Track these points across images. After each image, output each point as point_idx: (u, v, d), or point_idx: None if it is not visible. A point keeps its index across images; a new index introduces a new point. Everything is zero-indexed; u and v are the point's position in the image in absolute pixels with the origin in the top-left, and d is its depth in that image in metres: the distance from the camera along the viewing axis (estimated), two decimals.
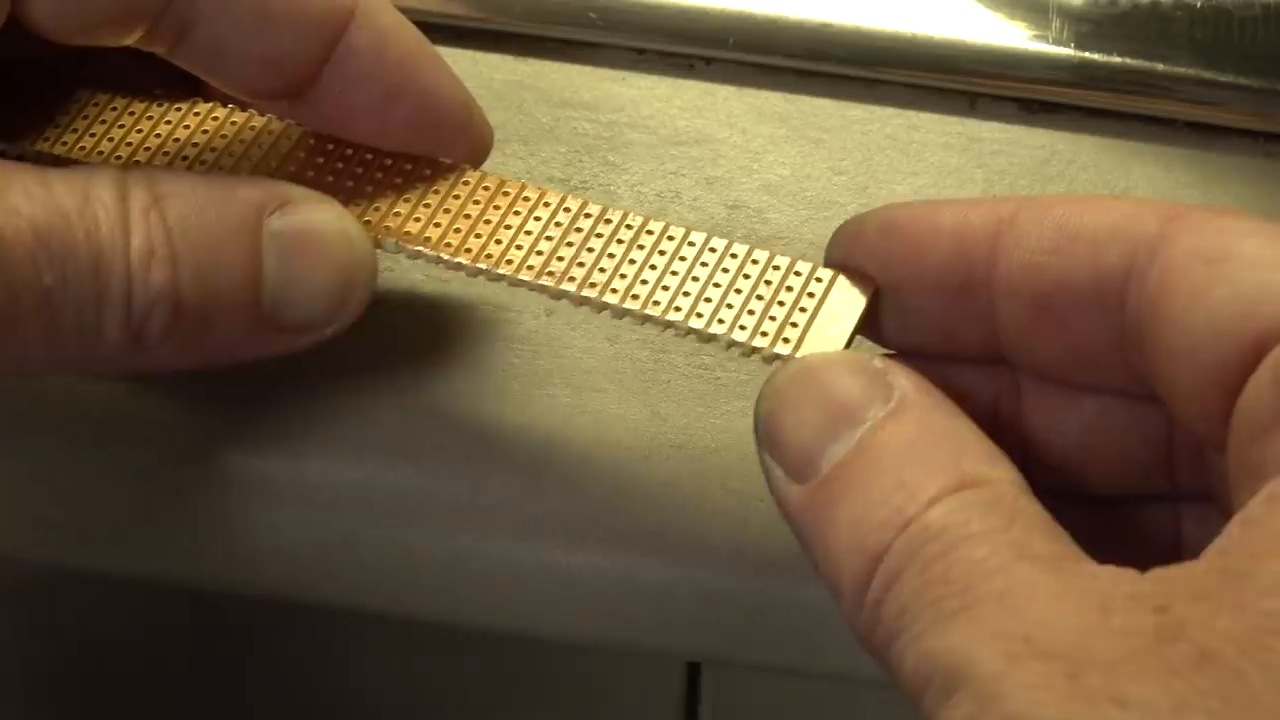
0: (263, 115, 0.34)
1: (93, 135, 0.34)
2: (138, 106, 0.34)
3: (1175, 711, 0.22)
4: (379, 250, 0.32)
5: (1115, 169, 0.39)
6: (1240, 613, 0.23)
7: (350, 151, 0.33)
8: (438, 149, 0.33)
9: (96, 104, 0.34)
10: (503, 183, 0.33)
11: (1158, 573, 0.24)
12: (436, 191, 0.33)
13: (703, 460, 0.34)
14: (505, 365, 0.35)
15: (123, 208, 0.30)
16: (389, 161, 0.33)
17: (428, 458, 0.34)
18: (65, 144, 0.34)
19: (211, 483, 0.34)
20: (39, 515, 0.36)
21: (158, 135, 0.34)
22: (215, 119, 0.34)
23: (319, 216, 0.32)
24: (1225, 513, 0.25)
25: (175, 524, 0.35)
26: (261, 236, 0.31)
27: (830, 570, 0.27)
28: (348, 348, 0.35)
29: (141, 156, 0.33)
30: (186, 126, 0.34)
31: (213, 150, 0.33)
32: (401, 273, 0.36)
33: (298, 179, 0.33)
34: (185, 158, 0.33)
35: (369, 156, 0.33)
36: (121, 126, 0.34)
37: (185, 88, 0.35)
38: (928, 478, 0.26)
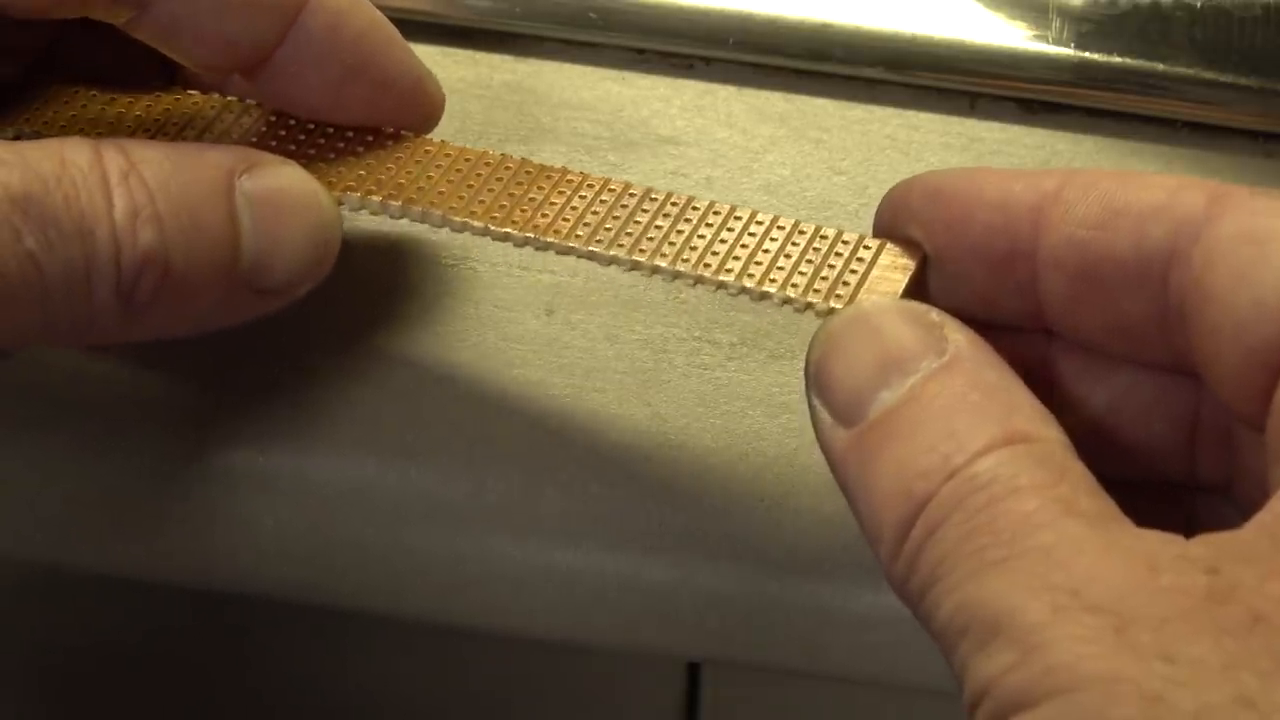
0: (224, 97, 0.34)
1: (56, 113, 0.34)
2: (99, 93, 0.34)
3: (1225, 670, 0.22)
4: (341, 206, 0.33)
5: (1115, 169, 0.39)
6: None
7: (294, 122, 0.34)
8: (390, 122, 0.34)
9: (57, 91, 0.35)
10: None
11: (1205, 538, 0.24)
12: (398, 159, 0.33)
13: (703, 460, 0.34)
14: (505, 365, 0.35)
15: (100, 171, 0.30)
16: (348, 134, 0.34)
17: (428, 457, 0.34)
18: (29, 120, 0.34)
19: (213, 482, 0.34)
20: (39, 515, 0.36)
21: (120, 114, 0.34)
22: (177, 100, 0.34)
23: (287, 177, 0.32)
24: (1247, 500, 0.25)
25: (176, 523, 0.35)
26: (235, 199, 0.31)
27: (871, 516, 0.27)
28: (348, 348, 0.35)
29: (104, 132, 0.34)
30: (149, 106, 0.34)
31: (175, 125, 0.34)
32: (402, 271, 0.36)
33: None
34: (148, 133, 0.34)
35: (329, 131, 0.34)
36: (84, 107, 0.34)
37: (156, 76, 0.35)
38: (978, 429, 0.26)
